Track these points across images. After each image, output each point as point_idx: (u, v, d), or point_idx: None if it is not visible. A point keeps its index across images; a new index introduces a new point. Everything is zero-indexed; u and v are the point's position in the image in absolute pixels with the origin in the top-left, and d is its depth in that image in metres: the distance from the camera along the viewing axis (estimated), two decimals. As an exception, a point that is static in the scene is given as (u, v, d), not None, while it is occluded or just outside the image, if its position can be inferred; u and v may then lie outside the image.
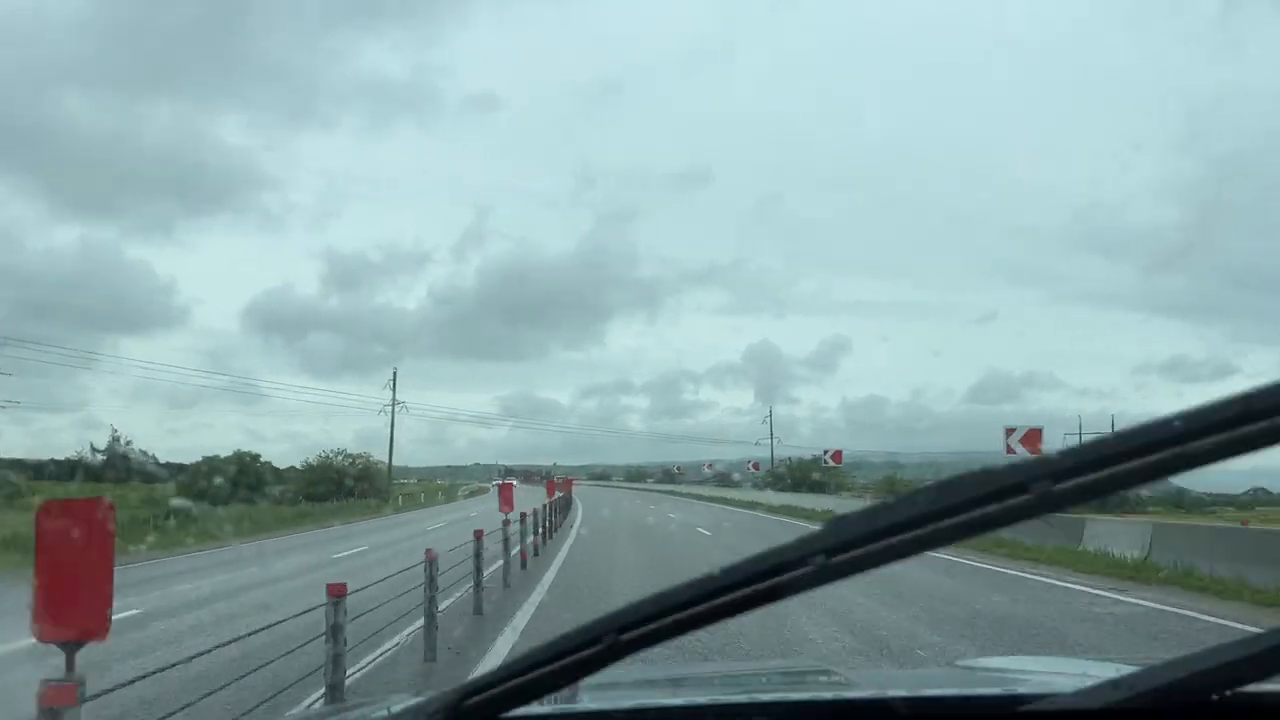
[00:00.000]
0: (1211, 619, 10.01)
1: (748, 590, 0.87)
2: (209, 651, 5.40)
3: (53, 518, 2.69)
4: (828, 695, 1.51)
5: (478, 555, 10.65)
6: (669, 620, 0.89)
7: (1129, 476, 0.72)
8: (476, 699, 0.99)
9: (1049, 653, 7.56)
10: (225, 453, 53.21)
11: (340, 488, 58.60)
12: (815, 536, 0.84)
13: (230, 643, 5.58)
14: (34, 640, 2.71)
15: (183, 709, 4.67)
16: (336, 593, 5.74)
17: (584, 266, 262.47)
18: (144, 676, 4.35)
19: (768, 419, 68.91)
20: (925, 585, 12.77)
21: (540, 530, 20.46)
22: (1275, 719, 1.16)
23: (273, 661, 5.77)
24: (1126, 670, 1.17)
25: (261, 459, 55.96)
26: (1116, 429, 0.74)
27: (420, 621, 8.44)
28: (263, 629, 5.90)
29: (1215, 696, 1.03)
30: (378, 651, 8.22)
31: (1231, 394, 0.69)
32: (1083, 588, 13.03)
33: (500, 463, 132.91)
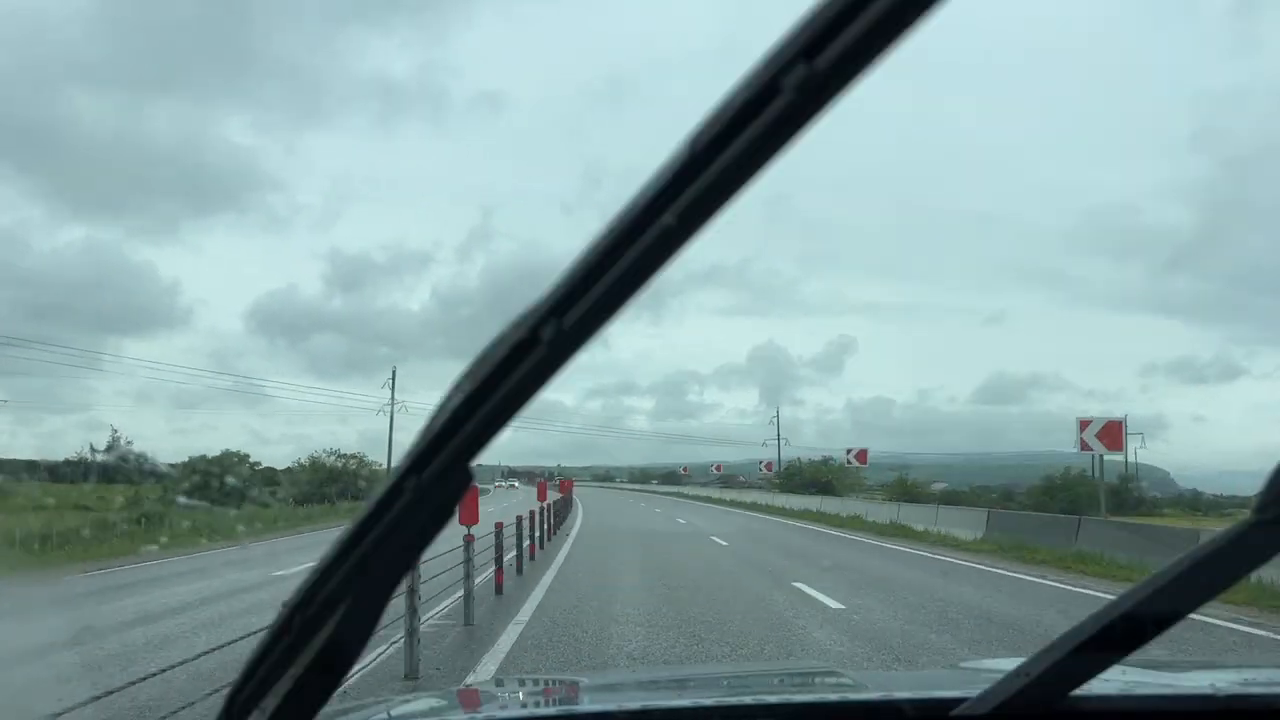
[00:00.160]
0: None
1: None
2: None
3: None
4: (833, 697, 1.51)
5: (411, 593, 7.20)
6: None
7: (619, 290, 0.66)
8: None
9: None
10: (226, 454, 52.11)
11: (332, 490, 55.65)
12: None
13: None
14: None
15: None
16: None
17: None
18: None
19: (773, 420, 66.16)
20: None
21: (527, 541, 17.29)
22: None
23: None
24: (1133, 672, 1.47)
25: (250, 460, 53.56)
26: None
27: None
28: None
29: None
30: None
31: None
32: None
33: (503, 464, 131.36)
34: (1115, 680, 1.46)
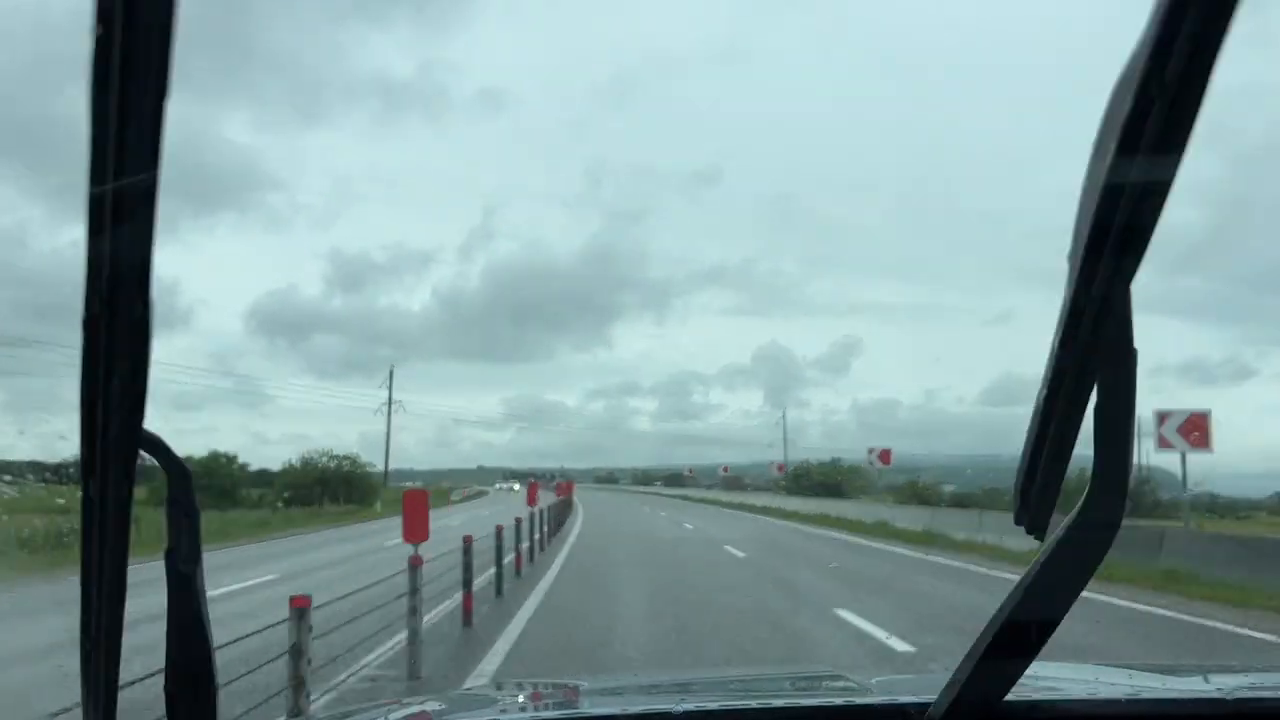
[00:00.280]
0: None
1: None
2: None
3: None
4: (839, 700, 1.50)
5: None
6: None
7: None
8: None
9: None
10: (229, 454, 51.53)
11: (324, 492, 54.45)
12: None
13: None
14: None
15: None
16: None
17: (592, 267, 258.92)
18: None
19: (778, 421, 63.77)
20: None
21: (511, 556, 14.59)
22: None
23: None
24: (1141, 676, 1.58)
25: (239, 461, 53.02)
26: None
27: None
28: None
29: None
30: None
31: None
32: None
33: (505, 465, 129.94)
34: (1080, 682, 1.60)
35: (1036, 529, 0.94)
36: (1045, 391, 0.86)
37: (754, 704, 1.51)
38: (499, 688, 4.02)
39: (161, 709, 0.95)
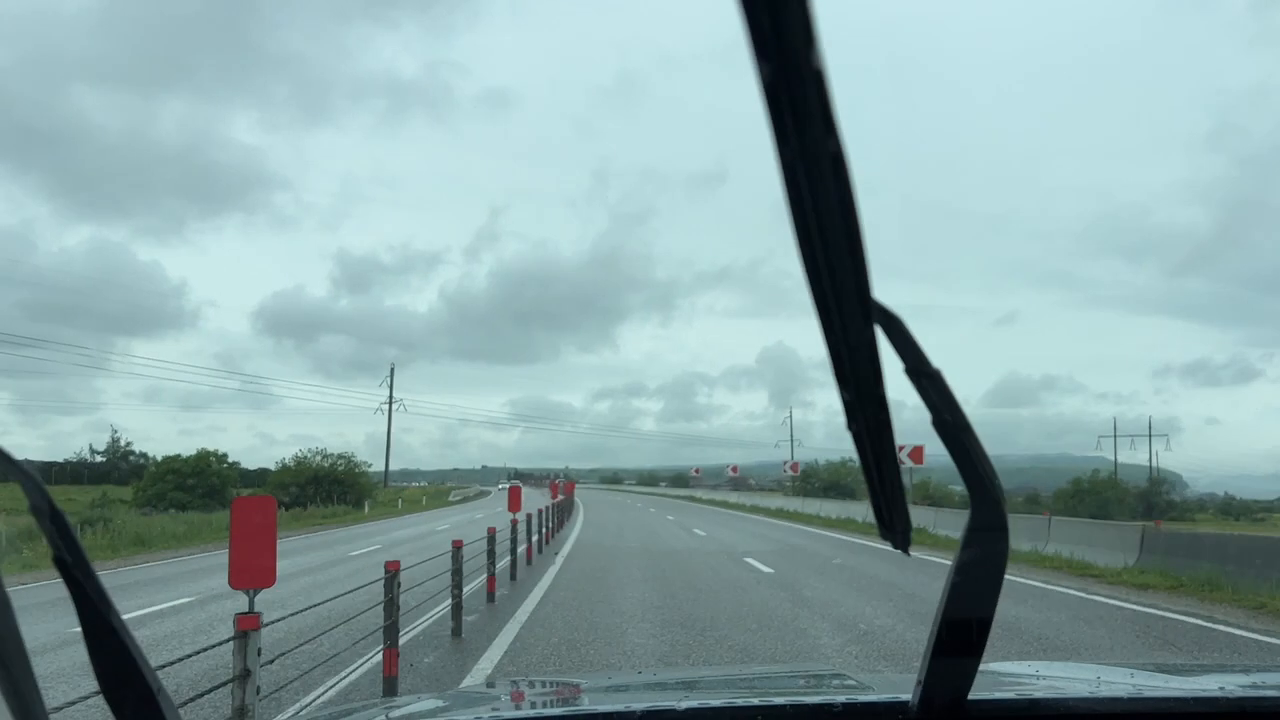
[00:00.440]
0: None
1: None
2: None
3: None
4: (841, 699, 1.46)
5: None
6: None
7: None
8: None
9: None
10: (234, 455, 50.68)
11: (317, 492, 52.46)
12: None
13: None
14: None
15: None
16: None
17: (598, 268, 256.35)
18: None
19: (784, 421, 60.79)
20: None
21: (486, 576, 11.37)
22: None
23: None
24: (1143, 675, 1.58)
25: (229, 461, 51.34)
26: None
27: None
28: None
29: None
30: None
31: None
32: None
33: (509, 465, 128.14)
34: (1082, 680, 1.62)
35: (904, 545, 0.99)
36: (851, 428, 0.87)
37: (756, 701, 1.52)
38: (502, 686, 3.63)
39: None
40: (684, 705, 1.42)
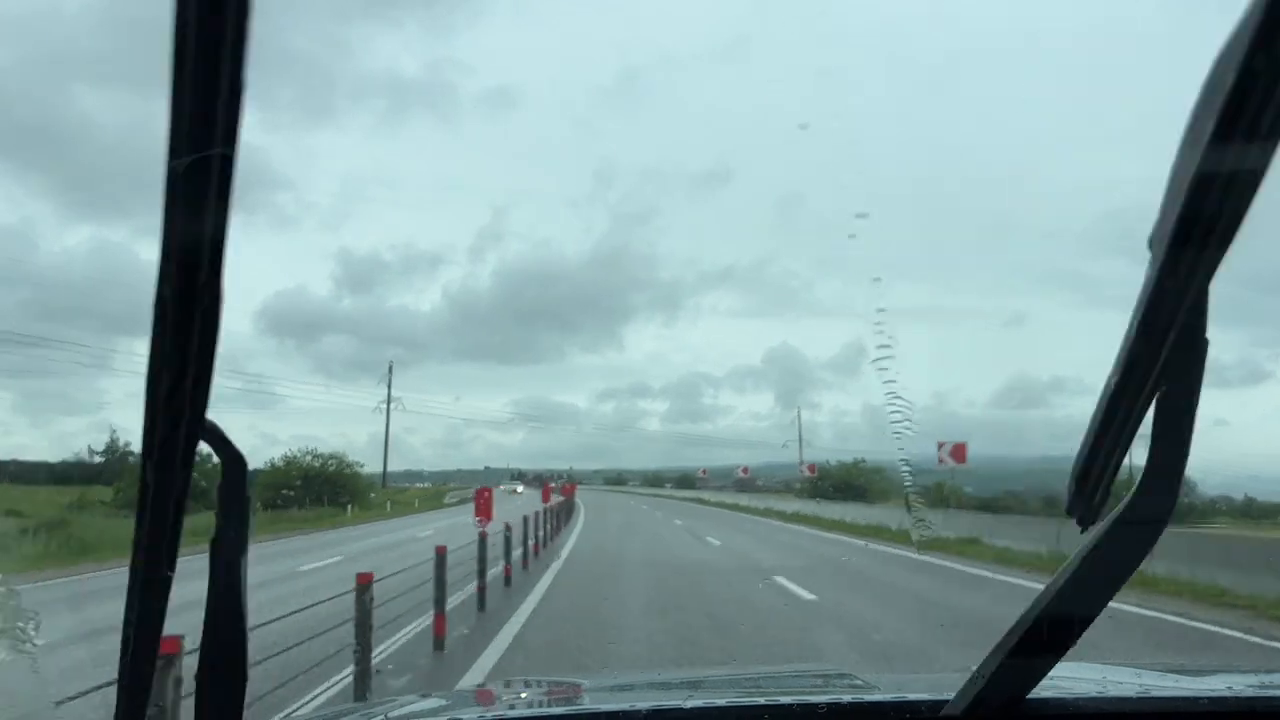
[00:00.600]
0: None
1: None
2: None
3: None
4: (847, 698, 1.48)
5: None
6: None
7: None
8: None
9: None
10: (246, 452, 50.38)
11: (306, 494, 50.55)
12: None
13: None
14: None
15: None
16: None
17: (602, 268, 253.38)
18: None
19: (792, 421, 58.20)
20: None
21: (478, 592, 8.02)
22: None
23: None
24: (1150, 675, 1.52)
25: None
26: None
27: None
28: None
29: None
30: None
31: None
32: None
33: (513, 466, 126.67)
34: (1089, 680, 1.53)
35: (1087, 520, 0.93)
36: (1115, 380, 0.84)
37: (762, 700, 1.53)
38: (505, 685, 3.35)
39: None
40: (690, 704, 1.43)
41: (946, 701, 1.27)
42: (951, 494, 55.83)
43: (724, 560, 19.21)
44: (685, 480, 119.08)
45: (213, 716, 0.94)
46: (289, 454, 55.39)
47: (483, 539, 11.31)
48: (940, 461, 26.71)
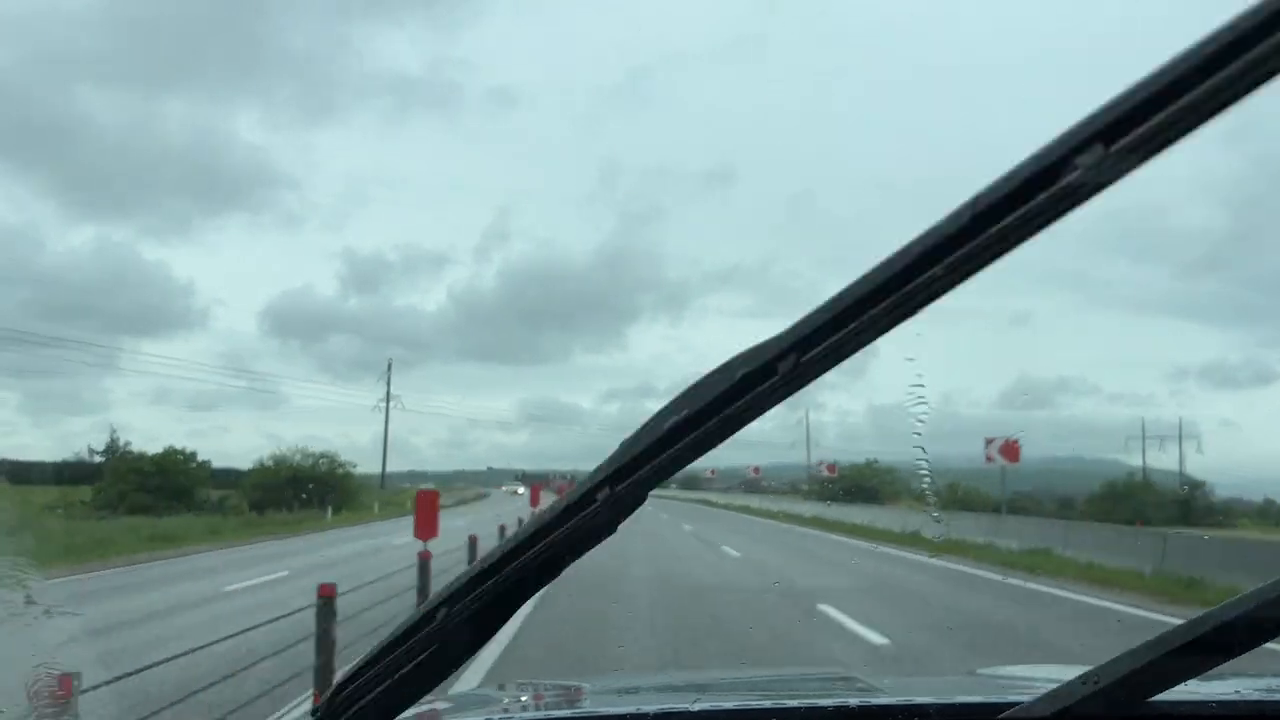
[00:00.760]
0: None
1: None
2: None
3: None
4: (854, 701, 1.45)
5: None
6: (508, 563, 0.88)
7: (870, 327, 0.72)
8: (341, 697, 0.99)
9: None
10: (238, 456, 48.97)
11: (295, 494, 48.06)
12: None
13: None
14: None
15: None
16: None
17: (607, 268, 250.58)
18: None
19: (798, 422, 59.65)
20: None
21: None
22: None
23: None
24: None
25: (199, 459, 47.72)
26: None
27: None
28: None
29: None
30: None
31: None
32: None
33: (516, 467, 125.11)
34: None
35: None
36: None
37: (769, 704, 1.51)
38: (506, 688, 3.34)
39: None
40: (697, 707, 1.41)
41: (967, 707, 1.30)
42: (968, 495, 52.59)
43: (748, 578, 15.70)
44: (690, 481, 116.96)
45: None
46: (276, 452, 53.52)
47: (424, 564, 7.90)
48: (988, 460, 23.31)
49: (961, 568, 17.39)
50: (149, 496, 41.18)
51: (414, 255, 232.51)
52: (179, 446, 45.63)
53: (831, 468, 50.88)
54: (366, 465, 71.34)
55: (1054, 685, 1.22)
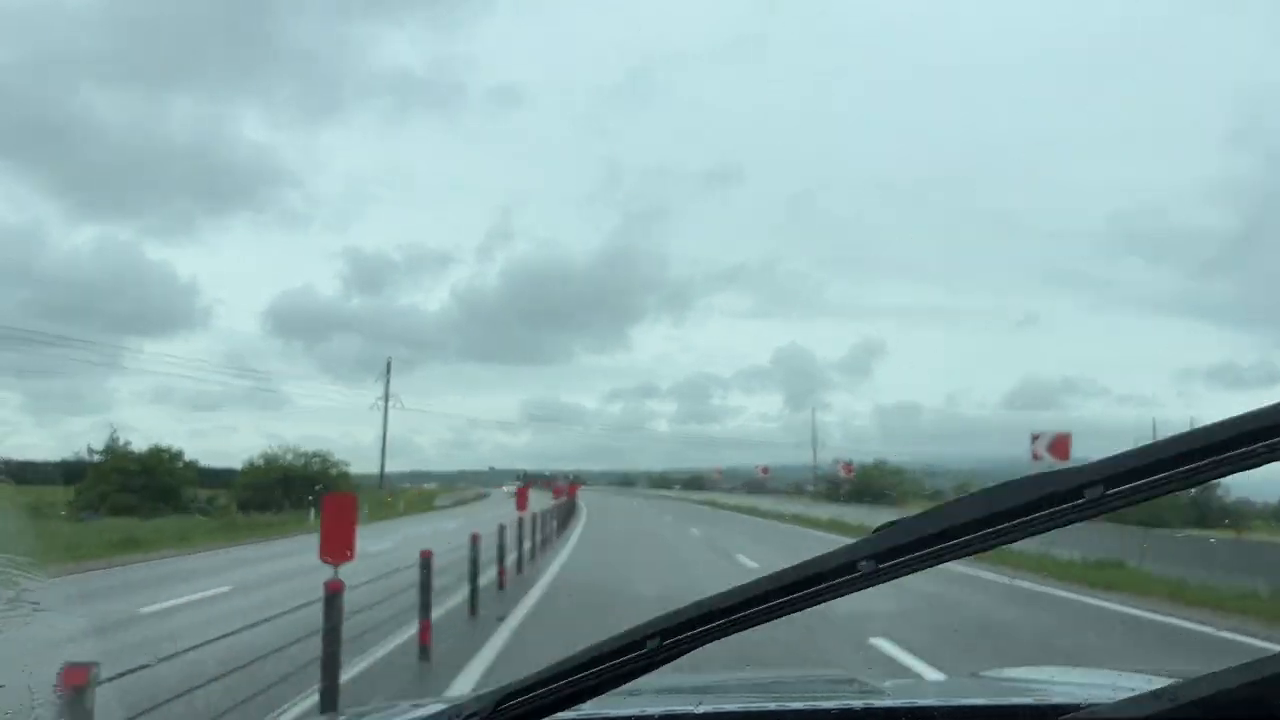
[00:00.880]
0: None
1: (794, 595, 0.88)
2: None
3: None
4: (858, 704, 1.44)
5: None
6: (713, 625, 0.90)
7: (1180, 480, 0.77)
8: (513, 703, 1.02)
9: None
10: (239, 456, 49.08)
11: (286, 495, 47.27)
12: (864, 542, 0.88)
13: None
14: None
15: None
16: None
17: (610, 268, 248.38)
18: None
19: (797, 423, 53.98)
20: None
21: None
22: None
23: None
24: (1160, 681, 1.22)
25: (185, 458, 46.86)
26: (1170, 435, 0.79)
27: None
28: None
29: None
30: None
31: None
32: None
33: (518, 467, 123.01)
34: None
35: None
36: None
37: (772, 706, 1.51)
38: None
39: None
40: (701, 709, 1.41)
41: (971, 709, 1.27)
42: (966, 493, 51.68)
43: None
44: (695, 481, 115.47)
45: None
46: (268, 451, 52.33)
47: (333, 599, 5.43)
48: (1035, 457, 20.80)
49: (1029, 584, 14.82)
50: (133, 497, 40.36)
51: (416, 255, 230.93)
52: (174, 446, 44.88)
53: (848, 467, 48.63)
54: (369, 465, 69.79)
55: (1072, 688, 1.25)
